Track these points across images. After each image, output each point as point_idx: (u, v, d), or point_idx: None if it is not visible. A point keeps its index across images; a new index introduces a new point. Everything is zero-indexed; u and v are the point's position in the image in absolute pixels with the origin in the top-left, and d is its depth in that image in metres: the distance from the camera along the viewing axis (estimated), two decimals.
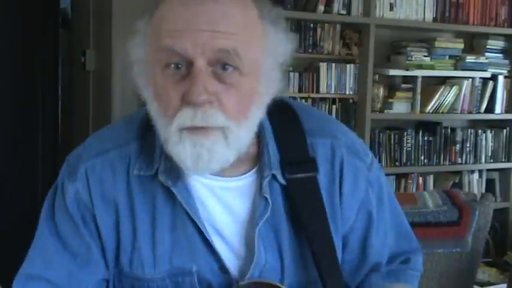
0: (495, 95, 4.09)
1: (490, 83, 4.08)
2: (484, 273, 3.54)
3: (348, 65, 3.73)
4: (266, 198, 1.05)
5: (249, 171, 1.08)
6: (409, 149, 3.92)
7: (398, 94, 3.86)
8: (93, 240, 1.07)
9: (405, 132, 3.91)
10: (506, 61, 4.14)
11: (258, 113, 1.02)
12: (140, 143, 1.08)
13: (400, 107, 3.87)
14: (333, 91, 3.72)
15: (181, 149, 0.97)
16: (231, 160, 1.00)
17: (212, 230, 1.07)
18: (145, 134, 1.08)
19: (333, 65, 3.70)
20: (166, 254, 1.06)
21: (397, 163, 3.88)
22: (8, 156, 3.94)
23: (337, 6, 3.63)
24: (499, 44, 4.12)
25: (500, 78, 4.11)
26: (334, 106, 3.75)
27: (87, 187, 1.07)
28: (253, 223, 1.06)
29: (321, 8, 3.60)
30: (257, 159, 1.08)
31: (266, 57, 1.01)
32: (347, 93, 3.76)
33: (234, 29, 0.95)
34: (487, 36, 4.08)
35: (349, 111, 3.77)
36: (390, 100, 3.85)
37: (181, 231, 1.05)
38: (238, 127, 0.98)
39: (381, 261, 1.19)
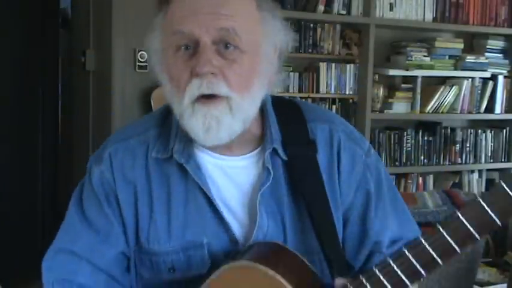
0: (495, 95, 4.10)
1: (490, 83, 4.08)
2: (484, 273, 3.54)
3: (348, 65, 3.74)
4: (268, 169, 1.16)
5: (254, 150, 1.19)
6: (409, 149, 3.92)
7: (398, 94, 3.87)
8: (115, 218, 1.19)
9: (405, 132, 3.91)
10: (506, 61, 4.14)
11: (259, 89, 1.14)
12: (158, 130, 1.21)
13: (400, 107, 3.87)
14: (333, 91, 3.72)
15: (194, 122, 1.10)
16: (238, 130, 1.12)
17: (221, 203, 1.17)
18: (164, 122, 1.22)
19: (333, 65, 3.71)
20: (180, 228, 1.17)
21: (397, 163, 3.89)
22: (8, 156, 3.94)
23: (337, 6, 3.63)
24: (499, 44, 4.12)
25: (500, 78, 4.11)
26: (334, 106, 3.75)
27: (110, 169, 1.20)
28: (256, 192, 1.17)
29: (321, 8, 3.60)
30: (261, 140, 1.20)
31: (264, 40, 1.14)
32: (347, 93, 3.76)
33: (233, 13, 1.09)
34: (487, 36, 4.08)
35: (349, 111, 3.77)
36: (390, 100, 3.85)
37: (193, 206, 1.17)
38: (241, 99, 1.10)
39: (382, 241, 1.22)
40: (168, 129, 1.20)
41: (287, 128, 1.20)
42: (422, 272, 1.01)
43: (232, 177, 1.19)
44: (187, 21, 1.09)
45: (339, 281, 1.09)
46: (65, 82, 4.17)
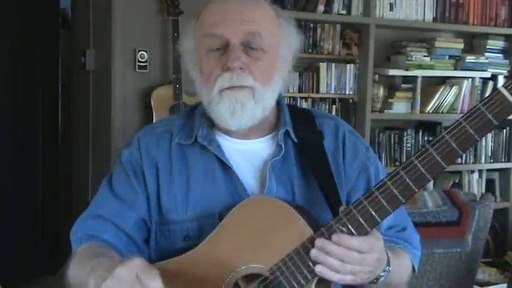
0: None
1: (490, 83, 4.08)
2: (484, 273, 3.54)
3: (348, 65, 3.74)
4: (280, 146, 1.34)
5: (269, 134, 1.38)
6: (409, 149, 3.92)
7: (398, 94, 3.86)
8: (141, 189, 1.36)
9: (405, 132, 3.91)
10: (506, 61, 4.14)
11: (277, 82, 1.34)
12: (183, 121, 1.41)
13: (400, 107, 3.87)
14: (333, 91, 3.72)
15: (221, 107, 1.29)
16: (259, 116, 1.31)
17: (237, 173, 1.34)
18: (189, 116, 1.42)
19: (333, 65, 3.71)
20: (197, 200, 1.33)
21: (397, 163, 3.88)
22: (8, 156, 3.94)
23: (337, 6, 3.63)
24: (499, 44, 4.12)
25: (500, 78, 4.11)
26: (334, 106, 3.75)
27: (138, 149, 1.38)
28: (268, 164, 1.33)
29: (321, 8, 3.60)
30: (275, 127, 1.39)
31: (282, 42, 1.34)
32: (347, 93, 3.76)
33: (257, 19, 1.30)
34: (487, 36, 4.08)
35: (349, 111, 3.77)
36: (390, 100, 3.85)
37: (210, 181, 1.33)
38: (263, 89, 1.30)
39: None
40: (192, 121, 1.39)
41: (298, 119, 1.39)
42: (428, 176, 1.12)
43: (248, 156, 1.36)
44: (219, 25, 1.29)
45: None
46: (65, 82, 4.17)
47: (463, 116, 1.11)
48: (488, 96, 1.10)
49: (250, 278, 1.22)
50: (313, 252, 1.15)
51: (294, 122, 1.39)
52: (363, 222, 1.15)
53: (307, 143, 1.36)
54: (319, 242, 1.15)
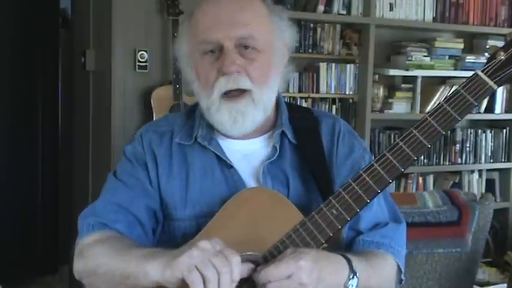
0: (495, 95, 4.09)
1: None
2: (484, 273, 3.54)
3: (348, 65, 3.74)
4: (275, 147, 1.35)
5: (267, 133, 1.39)
6: None
7: (398, 94, 3.87)
8: (147, 180, 1.37)
9: None
10: None
11: (275, 79, 1.35)
12: (184, 121, 1.42)
13: (400, 107, 3.87)
14: (333, 91, 3.72)
15: (220, 116, 1.30)
16: (260, 120, 1.33)
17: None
18: (189, 116, 1.43)
19: (333, 65, 3.71)
20: (195, 200, 1.33)
21: None
22: (8, 155, 3.94)
23: (337, 6, 3.63)
24: (499, 44, 4.11)
25: None
26: (334, 106, 3.75)
27: (141, 144, 1.40)
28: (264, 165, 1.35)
29: (321, 8, 3.60)
30: (274, 126, 1.39)
31: (275, 39, 1.34)
32: (347, 93, 3.76)
33: (249, 21, 1.30)
34: (487, 36, 4.08)
35: (349, 111, 3.77)
36: (390, 100, 3.85)
37: (209, 181, 1.34)
38: (260, 89, 1.30)
39: (363, 221, 1.36)
40: (192, 121, 1.40)
41: (296, 118, 1.40)
42: (413, 155, 1.19)
43: (246, 155, 1.37)
44: (211, 31, 1.28)
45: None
46: (65, 82, 4.17)
47: (444, 99, 1.22)
48: (467, 79, 1.21)
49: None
50: None
51: (292, 121, 1.39)
52: (351, 202, 1.20)
53: (304, 143, 1.37)
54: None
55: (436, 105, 1.22)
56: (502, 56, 1.20)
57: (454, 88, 3.88)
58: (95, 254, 1.25)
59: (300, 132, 1.38)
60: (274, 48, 1.34)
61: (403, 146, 1.20)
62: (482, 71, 1.20)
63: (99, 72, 3.55)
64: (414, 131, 1.20)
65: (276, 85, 1.36)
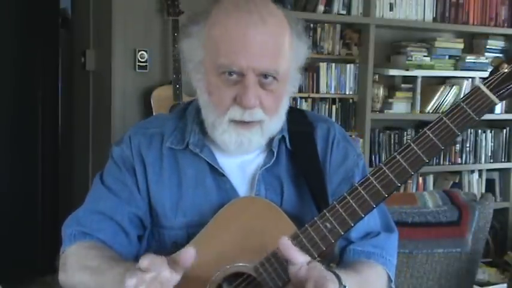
0: None
1: None
2: (484, 273, 3.55)
3: (348, 65, 3.74)
4: (272, 151, 1.32)
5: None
6: None
7: (398, 94, 3.87)
8: (134, 186, 1.33)
9: (405, 132, 3.91)
10: None
11: (285, 106, 1.31)
12: (175, 124, 1.36)
13: (400, 107, 3.87)
14: (333, 91, 3.72)
15: (227, 137, 1.26)
16: (263, 144, 1.31)
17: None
18: (180, 119, 1.37)
19: (333, 65, 3.71)
20: (186, 209, 1.30)
21: None
22: (8, 156, 3.94)
23: (337, 6, 3.63)
24: (499, 44, 4.12)
25: None
26: (334, 106, 3.75)
27: (129, 146, 1.35)
28: (258, 172, 1.32)
29: (321, 8, 3.60)
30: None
31: (292, 64, 1.28)
32: (347, 93, 3.76)
33: (276, 54, 1.23)
34: (487, 36, 4.08)
35: (349, 111, 3.77)
36: (390, 100, 3.85)
37: (201, 189, 1.31)
38: (271, 120, 1.27)
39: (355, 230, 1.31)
40: (183, 125, 1.35)
41: (292, 122, 1.35)
42: (410, 170, 1.15)
43: (239, 163, 1.33)
44: (235, 57, 1.20)
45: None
46: (65, 82, 4.17)
47: (444, 113, 1.17)
48: (468, 93, 1.16)
49: (235, 276, 1.22)
50: None
51: (289, 125, 1.36)
52: (345, 216, 1.16)
53: (300, 149, 1.34)
54: None
55: (435, 118, 1.17)
56: (505, 69, 1.15)
57: (454, 88, 3.91)
58: (73, 271, 1.26)
59: (296, 137, 1.35)
60: (291, 77, 1.29)
61: (401, 160, 1.15)
62: (484, 84, 1.15)
63: (99, 72, 3.55)
64: (412, 144, 1.16)
65: (285, 110, 1.32)
